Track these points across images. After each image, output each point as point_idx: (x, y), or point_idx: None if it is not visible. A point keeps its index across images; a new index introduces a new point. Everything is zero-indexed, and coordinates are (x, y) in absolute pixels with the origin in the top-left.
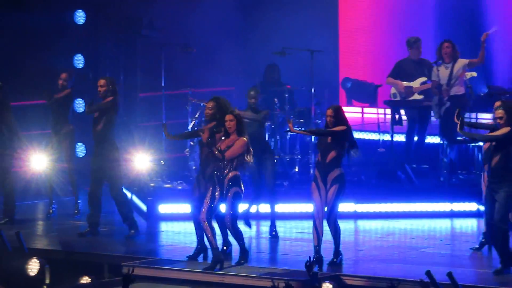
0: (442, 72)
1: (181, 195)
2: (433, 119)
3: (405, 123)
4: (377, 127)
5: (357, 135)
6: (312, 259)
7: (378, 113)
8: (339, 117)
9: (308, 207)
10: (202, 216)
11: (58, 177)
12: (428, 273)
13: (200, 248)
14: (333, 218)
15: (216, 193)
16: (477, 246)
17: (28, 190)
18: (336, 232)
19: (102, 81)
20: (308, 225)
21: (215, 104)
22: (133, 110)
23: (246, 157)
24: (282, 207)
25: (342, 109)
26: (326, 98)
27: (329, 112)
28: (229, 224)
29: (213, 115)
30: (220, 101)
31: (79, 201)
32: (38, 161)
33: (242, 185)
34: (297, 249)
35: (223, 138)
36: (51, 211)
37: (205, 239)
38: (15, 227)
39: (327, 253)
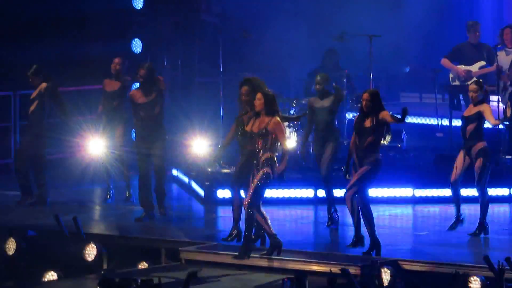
0: (504, 58)
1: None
2: (494, 104)
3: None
4: (435, 111)
5: (415, 119)
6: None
7: (436, 97)
8: (376, 101)
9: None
10: (245, 202)
11: (114, 162)
12: (486, 258)
13: (237, 232)
14: (360, 199)
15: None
16: None
17: (85, 175)
18: (364, 215)
19: (141, 69)
20: None
21: (248, 88)
22: (191, 94)
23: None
24: (338, 192)
25: (379, 94)
26: (384, 83)
27: (365, 96)
28: (246, 207)
29: (250, 100)
30: (253, 83)
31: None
32: (94, 146)
33: (274, 168)
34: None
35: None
36: (108, 196)
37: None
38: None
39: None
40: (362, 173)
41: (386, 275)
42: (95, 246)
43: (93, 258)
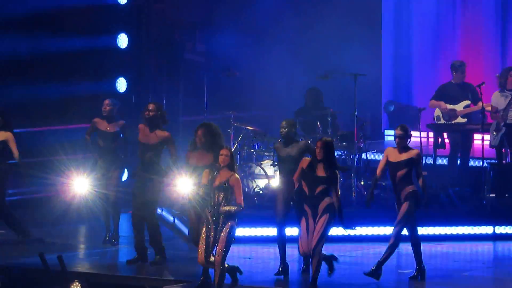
0: (499, 98)
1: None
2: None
3: (448, 146)
4: (420, 150)
5: None
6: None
7: (421, 137)
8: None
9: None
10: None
11: (98, 201)
12: None
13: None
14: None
15: None
16: None
17: (69, 214)
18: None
19: (152, 106)
20: (350, 248)
21: (204, 130)
22: (176, 133)
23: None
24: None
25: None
26: (369, 122)
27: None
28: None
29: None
30: (211, 128)
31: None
32: (79, 185)
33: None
34: (338, 272)
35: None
36: (107, 238)
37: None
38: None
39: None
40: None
41: None
42: (79, 285)
43: None
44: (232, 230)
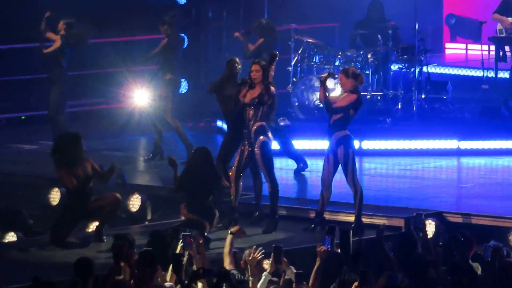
0: None
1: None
2: None
3: (509, 59)
4: (481, 63)
5: (460, 71)
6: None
7: (482, 50)
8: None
9: (411, 144)
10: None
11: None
12: None
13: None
14: None
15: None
16: None
17: (130, 126)
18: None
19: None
20: (410, 161)
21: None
22: (237, 45)
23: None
24: (384, 144)
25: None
26: (430, 35)
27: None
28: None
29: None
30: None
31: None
32: (140, 97)
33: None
34: (400, 186)
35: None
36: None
37: None
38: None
39: None
40: None
41: (430, 227)
42: (139, 197)
43: (137, 209)
44: (264, 145)
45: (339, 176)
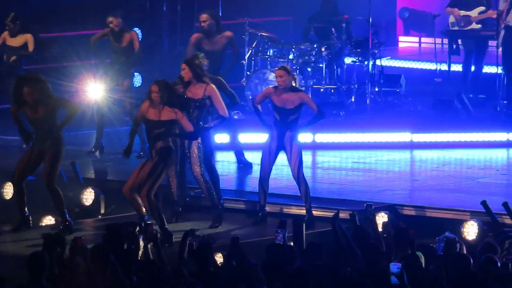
0: (502, 3)
1: (238, 125)
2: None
3: (462, 52)
4: (434, 56)
5: (414, 64)
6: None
7: (435, 43)
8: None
9: (364, 137)
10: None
11: (113, 107)
12: (483, 203)
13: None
14: None
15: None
16: None
17: (83, 120)
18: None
19: (204, 16)
20: (364, 154)
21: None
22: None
23: None
24: (338, 137)
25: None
26: (383, 28)
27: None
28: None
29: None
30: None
31: None
32: (93, 91)
33: None
34: (353, 179)
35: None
36: (93, 150)
37: None
38: None
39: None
40: None
41: (382, 220)
42: (93, 191)
43: (91, 203)
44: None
45: (286, 169)
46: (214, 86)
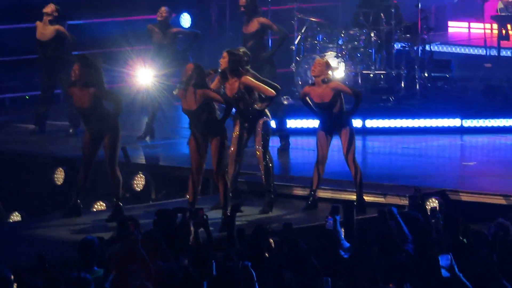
0: None
1: (288, 111)
2: None
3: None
4: (484, 42)
5: (463, 50)
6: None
7: (485, 28)
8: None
9: (414, 122)
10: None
11: (162, 92)
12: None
13: None
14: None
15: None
16: None
17: (133, 105)
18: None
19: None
20: (413, 140)
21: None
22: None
23: None
24: (387, 123)
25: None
26: (433, 13)
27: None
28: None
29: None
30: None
31: None
32: (143, 76)
33: None
34: (403, 164)
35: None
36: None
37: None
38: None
39: None
40: None
41: (433, 205)
42: (143, 176)
43: (141, 188)
44: (265, 124)
45: (337, 154)
46: (247, 76)
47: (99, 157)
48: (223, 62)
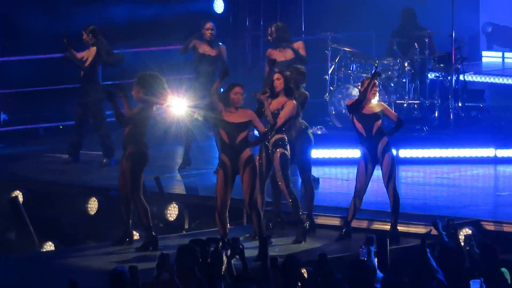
0: None
1: (321, 141)
2: None
3: None
4: None
5: (497, 79)
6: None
7: None
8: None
9: (448, 152)
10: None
11: (196, 122)
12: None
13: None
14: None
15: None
16: None
17: (167, 135)
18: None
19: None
20: (447, 170)
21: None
22: None
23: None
24: (421, 152)
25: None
26: (466, 43)
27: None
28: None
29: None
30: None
31: None
32: (177, 106)
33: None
34: (437, 194)
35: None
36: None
37: None
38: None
39: None
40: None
41: (466, 235)
42: (177, 206)
43: (174, 218)
44: (282, 157)
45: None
46: (293, 102)
47: None
48: (279, 83)
